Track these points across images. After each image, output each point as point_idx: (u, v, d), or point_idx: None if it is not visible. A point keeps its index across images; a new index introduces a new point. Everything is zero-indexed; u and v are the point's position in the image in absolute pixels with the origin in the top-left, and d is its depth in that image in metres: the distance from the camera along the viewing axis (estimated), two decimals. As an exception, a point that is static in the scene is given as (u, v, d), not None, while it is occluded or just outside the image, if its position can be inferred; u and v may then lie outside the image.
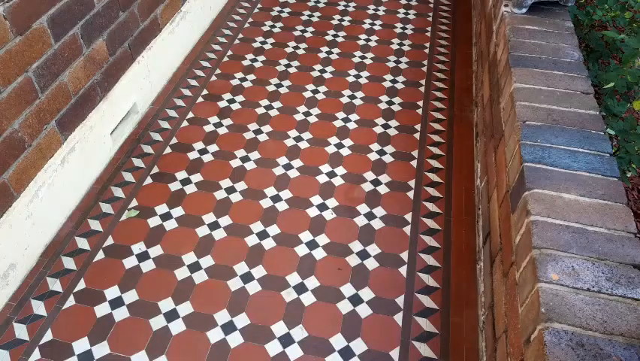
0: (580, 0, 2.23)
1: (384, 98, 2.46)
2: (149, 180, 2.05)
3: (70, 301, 1.65)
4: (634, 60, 1.77)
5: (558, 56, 1.64)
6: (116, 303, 1.65)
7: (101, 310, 1.63)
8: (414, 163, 2.14)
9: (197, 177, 2.07)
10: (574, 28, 1.78)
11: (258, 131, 2.28)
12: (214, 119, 2.33)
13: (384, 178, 2.07)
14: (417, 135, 2.27)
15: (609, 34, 1.91)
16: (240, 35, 2.87)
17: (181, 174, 2.08)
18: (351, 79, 2.57)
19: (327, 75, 2.59)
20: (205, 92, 2.48)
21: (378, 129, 2.30)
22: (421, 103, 2.44)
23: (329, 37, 2.86)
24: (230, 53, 2.74)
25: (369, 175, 2.09)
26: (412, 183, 2.06)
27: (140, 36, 2.26)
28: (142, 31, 2.26)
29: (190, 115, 2.35)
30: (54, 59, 1.74)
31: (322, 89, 2.51)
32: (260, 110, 2.39)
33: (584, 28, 2.19)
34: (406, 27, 2.95)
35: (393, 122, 2.33)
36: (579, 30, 2.14)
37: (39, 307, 1.63)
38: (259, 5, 3.13)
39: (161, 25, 2.42)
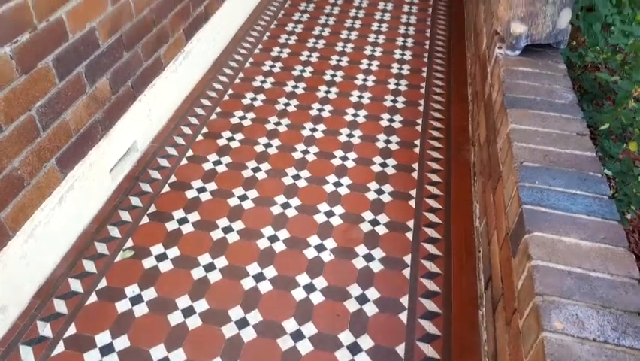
0: (572, 42, 2.29)
1: (382, 136, 2.48)
2: (145, 220, 2.03)
3: (60, 348, 1.60)
4: (627, 102, 1.79)
5: (552, 97, 1.67)
6: (107, 350, 1.59)
7: (91, 357, 1.57)
8: (412, 203, 2.13)
9: (194, 216, 2.05)
10: (567, 69, 1.82)
11: (256, 169, 2.28)
12: (213, 157, 2.34)
13: (383, 218, 2.06)
14: (414, 174, 2.27)
15: (602, 76, 1.95)
16: (241, 75, 2.92)
17: (178, 213, 2.06)
18: (349, 117, 2.60)
19: (325, 114, 2.62)
20: (205, 130, 2.50)
21: (376, 168, 2.30)
22: (418, 142, 2.45)
23: (327, 77, 2.91)
24: (230, 91, 2.78)
25: (368, 215, 2.07)
26: (410, 223, 2.04)
27: (143, 75, 2.30)
28: (145, 71, 2.31)
29: (189, 153, 2.36)
30: (57, 97, 1.76)
31: (320, 127, 2.53)
32: (259, 148, 2.40)
33: (577, 69, 2.23)
34: (402, 67, 3.01)
35: (391, 161, 2.34)
36: (572, 71, 2.19)
37: (27, 355, 1.57)
38: (260, 46, 3.21)
39: (163, 65, 2.47)
